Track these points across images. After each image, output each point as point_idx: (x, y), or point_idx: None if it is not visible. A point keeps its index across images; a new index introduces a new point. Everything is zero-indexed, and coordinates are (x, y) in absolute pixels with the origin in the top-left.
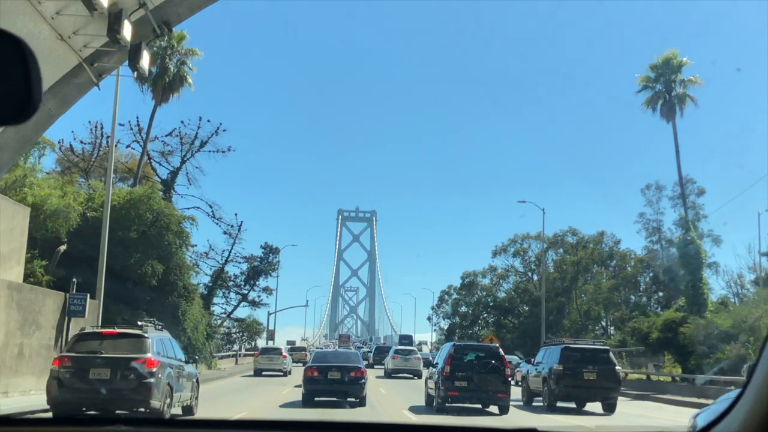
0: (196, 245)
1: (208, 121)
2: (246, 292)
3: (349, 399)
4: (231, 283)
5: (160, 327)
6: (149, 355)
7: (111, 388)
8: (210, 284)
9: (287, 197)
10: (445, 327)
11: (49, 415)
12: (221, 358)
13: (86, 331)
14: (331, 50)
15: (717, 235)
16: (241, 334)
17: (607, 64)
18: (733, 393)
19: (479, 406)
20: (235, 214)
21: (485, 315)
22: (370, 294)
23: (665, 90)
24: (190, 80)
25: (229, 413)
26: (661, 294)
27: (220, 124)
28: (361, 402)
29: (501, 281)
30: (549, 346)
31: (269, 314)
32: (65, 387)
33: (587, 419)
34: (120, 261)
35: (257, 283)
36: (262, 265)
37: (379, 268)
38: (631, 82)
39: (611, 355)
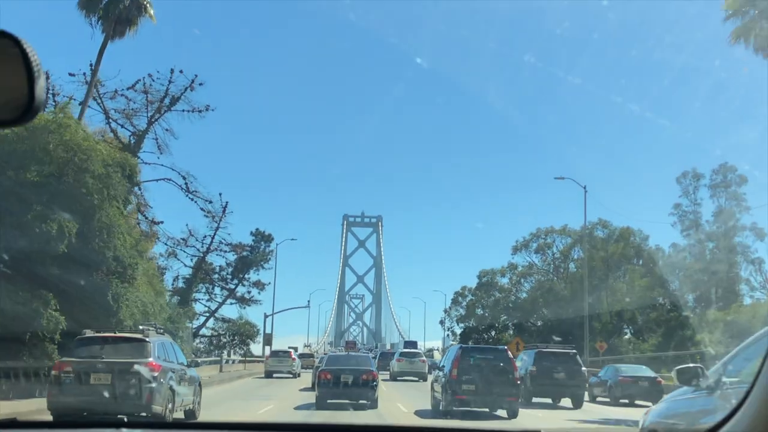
0: (162, 221)
1: (181, 71)
2: (233, 286)
3: (361, 401)
4: (216, 276)
5: (161, 331)
6: (151, 359)
7: (112, 392)
8: (189, 276)
9: (286, 189)
10: (459, 332)
11: (50, 418)
12: (203, 363)
13: (86, 335)
14: (337, 49)
15: (761, 228)
16: (231, 337)
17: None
18: (678, 392)
19: (487, 410)
20: (219, 194)
21: (504, 317)
22: (376, 300)
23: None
24: (151, 11)
25: (243, 416)
26: (695, 294)
27: (196, 76)
28: (373, 405)
29: (522, 280)
30: (527, 350)
31: (266, 316)
32: (66, 392)
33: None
34: (14, 216)
35: (247, 276)
36: (253, 256)
37: (385, 274)
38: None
39: (578, 357)
